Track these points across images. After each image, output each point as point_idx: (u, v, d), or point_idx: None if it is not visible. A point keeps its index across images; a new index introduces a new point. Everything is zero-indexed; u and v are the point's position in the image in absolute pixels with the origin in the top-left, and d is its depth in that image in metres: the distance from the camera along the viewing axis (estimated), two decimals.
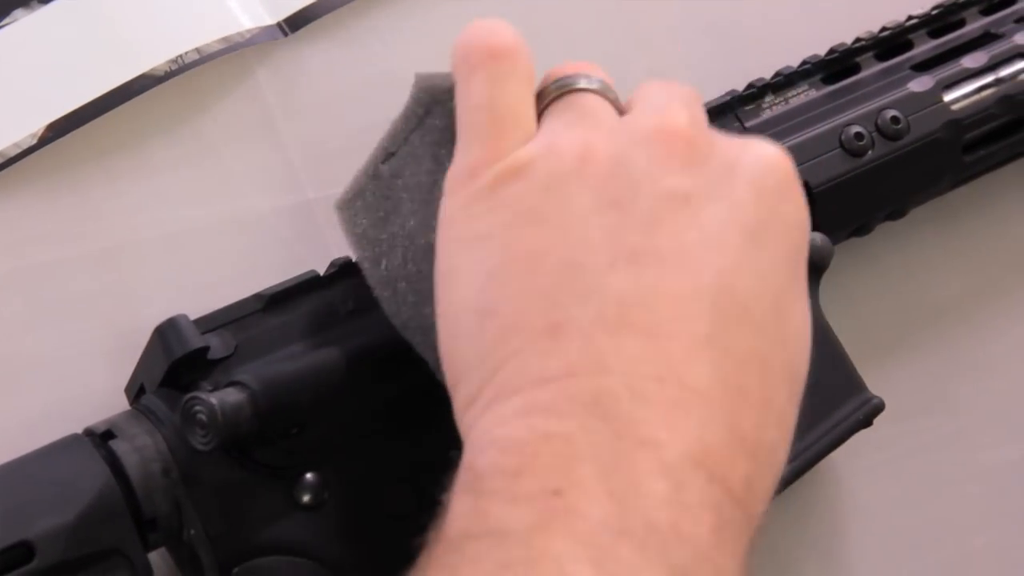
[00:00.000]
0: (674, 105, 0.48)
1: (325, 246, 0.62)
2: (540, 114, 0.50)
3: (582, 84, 0.50)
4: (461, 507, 0.41)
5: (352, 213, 0.55)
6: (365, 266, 0.54)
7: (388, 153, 0.53)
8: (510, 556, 0.38)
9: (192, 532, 0.54)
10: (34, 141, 0.63)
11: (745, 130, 0.65)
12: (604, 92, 0.50)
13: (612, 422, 0.41)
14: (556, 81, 0.51)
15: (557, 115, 0.49)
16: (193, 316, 0.57)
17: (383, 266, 0.53)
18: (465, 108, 0.50)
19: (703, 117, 0.50)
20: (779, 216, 0.46)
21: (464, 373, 0.45)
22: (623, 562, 0.38)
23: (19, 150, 0.63)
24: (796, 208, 0.48)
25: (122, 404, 0.58)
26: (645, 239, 0.44)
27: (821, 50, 0.68)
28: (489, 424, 0.43)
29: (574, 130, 0.48)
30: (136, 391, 0.58)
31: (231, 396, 0.54)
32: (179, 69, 0.65)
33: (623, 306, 0.43)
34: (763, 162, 0.47)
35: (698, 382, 0.42)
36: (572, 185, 0.46)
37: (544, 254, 0.45)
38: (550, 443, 0.41)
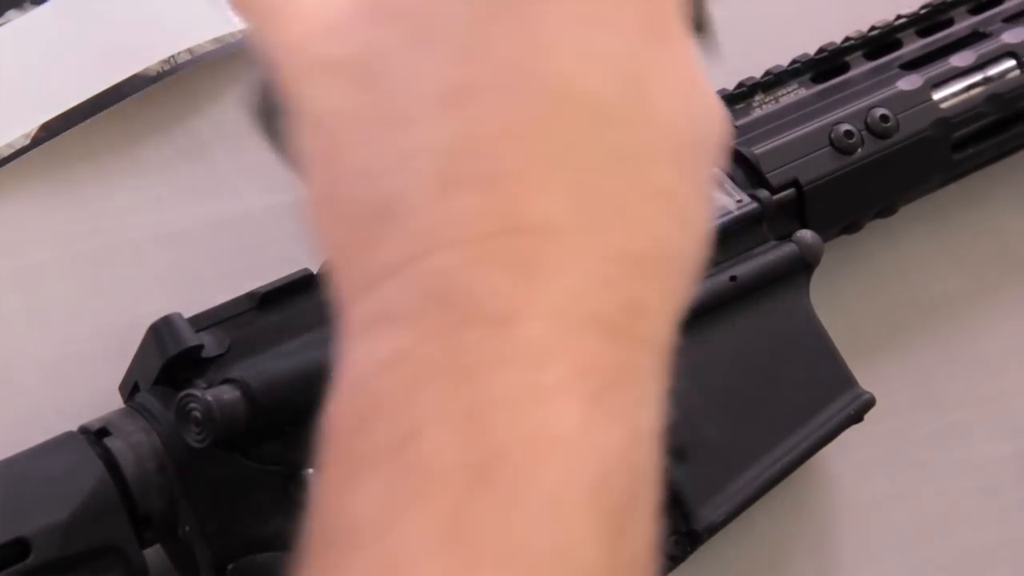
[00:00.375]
0: None
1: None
2: None
3: None
4: (319, 490, 0.36)
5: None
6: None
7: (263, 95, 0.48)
8: (368, 565, 0.34)
9: (187, 528, 0.55)
10: (27, 141, 0.64)
11: (735, 129, 0.66)
12: None
13: (458, 308, 0.35)
14: None
15: None
16: (187, 315, 0.57)
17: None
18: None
19: None
20: None
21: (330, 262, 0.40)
22: (484, 522, 0.34)
23: (12, 150, 0.64)
24: None
25: (116, 403, 0.58)
26: (466, 70, 0.38)
27: (811, 49, 0.68)
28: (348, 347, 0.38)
29: None
30: (130, 389, 0.58)
31: (226, 393, 0.54)
32: (172, 69, 0.66)
33: (452, 158, 0.37)
34: None
35: (551, 219, 0.36)
36: (381, 24, 0.39)
37: (372, 127, 0.39)
38: (395, 370, 0.35)
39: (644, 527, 0.36)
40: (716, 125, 0.41)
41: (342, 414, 0.36)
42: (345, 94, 0.39)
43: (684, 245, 0.39)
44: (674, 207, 0.38)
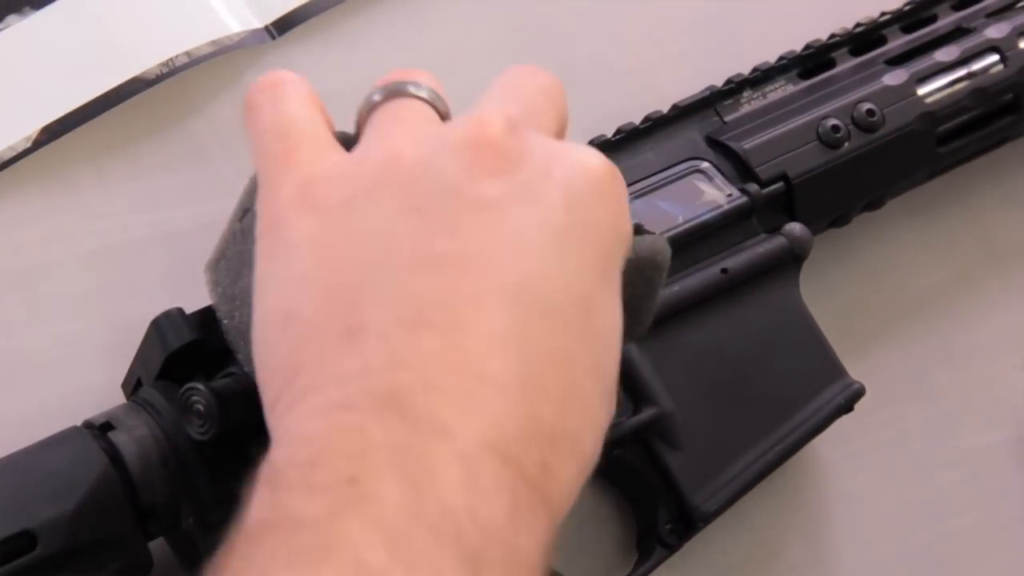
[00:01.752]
0: (496, 110, 0.48)
1: None
2: (364, 124, 0.50)
3: (410, 90, 0.50)
4: (259, 499, 0.41)
5: (215, 274, 0.54)
6: (223, 322, 0.53)
7: (244, 210, 0.52)
8: (305, 543, 0.39)
9: (190, 521, 0.55)
10: (28, 144, 0.65)
11: (725, 124, 0.66)
12: (431, 100, 0.50)
13: (406, 412, 0.41)
14: (381, 88, 0.50)
15: (374, 123, 0.49)
16: (188, 312, 0.58)
17: (236, 319, 0.52)
18: (255, 140, 0.50)
19: (543, 116, 0.50)
20: (590, 221, 0.46)
21: (271, 375, 0.45)
22: (417, 545, 0.39)
23: (14, 153, 0.64)
24: (609, 212, 0.47)
25: (119, 399, 0.59)
26: (447, 243, 0.44)
27: (797, 47, 0.69)
28: (288, 423, 0.43)
29: (386, 137, 0.48)
30: (133, 385, 0.59)
31: (228, 387, 0.55)
32: (170, 72, 0.66)
33: (422, 307, 0.43)
34: (578, 168, 0.47)
35: (495, 374, 0.43)
36: (378, 191, 0.46)
37: (348, 259, 0.45)
38: (344, 434, 0.41)
39: None
40: (616, 359, 0.47)
41: (289, 457, 0.42)
42: (324, 230, 0.46)
43: (588, 439, 0.45)
44: (587, 411, 0.45)
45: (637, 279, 0.51)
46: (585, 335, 0.45)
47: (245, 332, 0.50)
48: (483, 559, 0.40)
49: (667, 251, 0.52)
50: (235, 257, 0.52)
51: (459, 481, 0.40)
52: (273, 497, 0.41)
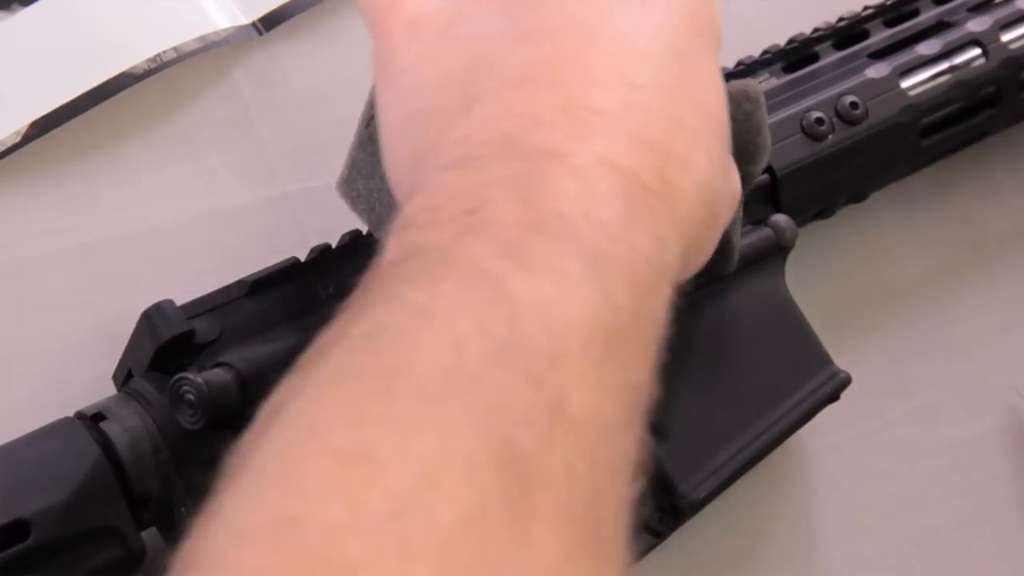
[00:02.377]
0: None
1: (304, 236, 0.63)
2: None
3: None
4: (387, 248, 0.43)
5: (348, 186, 0.57)
6: (365, 218, 0.57)
7: (368, 117, 0.55)
8: (428, 264, 0.41)
9: (182, 510, 0.56)
10: (18, 139, 0.65)
11: None
12: None
13: (520, 148, 0.44)
14: None
15: None
16: (179, 304, 0.58)
17: (376, 210, 0.56)
18: (361, 5, 0.54)
19: None
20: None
21: (404, 175, 0.49)
22: (535, 249, 0.41)
23: (3, 148, 0.65)
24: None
25: (110, 391, 0.59)
26: (541, 22, 0.48)
27: (781, 40, 0.70)
28: (416, 194, 0.46)
29: None
30: (124, 377, 0.59)
31: (218, 376, 0.55)
32: (158, 67, 0.67)
33: (526, 70, 0.47)
34: None
35: (602, 107, 0.46)
36: (479, 3, 0.50)
37: (456, 56, 0.49)
38: (465, 178, 0.44)
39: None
40: (722, 108, 0.50)
41: (417, 206, 0.44)
42: (432, 46, 0.50)
43: (703, 164, 0.48)
44: (699, 140, 0.48)
45: (736, 113, 0.54)
46: (682, 79, 0.48)
47: (387, 219, 0.54)
48: (602, 254, 0.42)
49: (759, 88, 0.57)
50: (366, 160, 0.56)
51: (574, 192, 0.43)
52: (400, 241, 0.43)
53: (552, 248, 0.41)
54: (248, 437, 0.38)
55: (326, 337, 0.41)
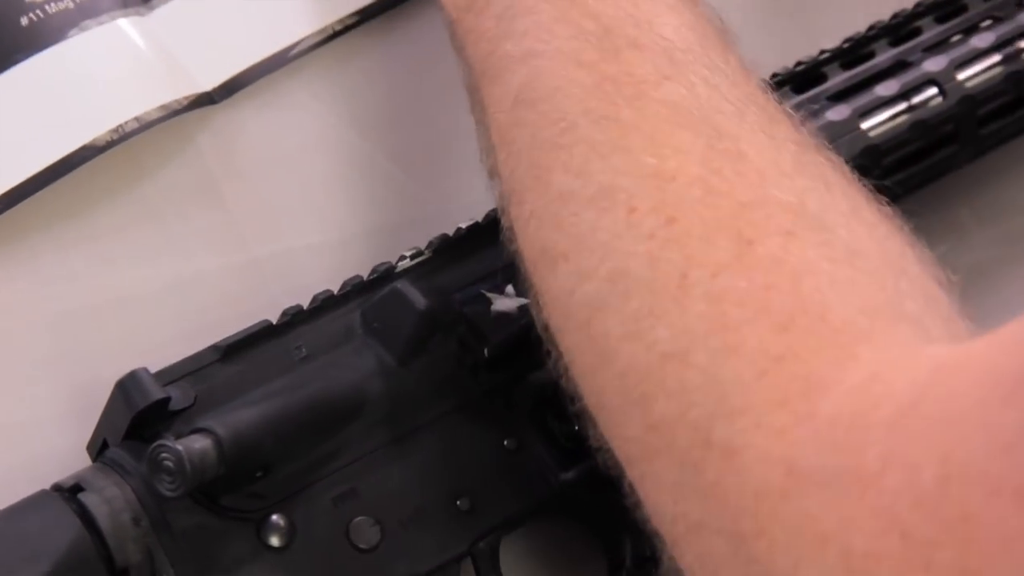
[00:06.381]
0: None
1: (274, 298, 0.63)
2: None
3: None
4: None
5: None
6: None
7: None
8: None
9: None
10: None
11: None
12: None
13: None
14: None
15: None
16: (152, 371, 0.58)
17: None
18: None
19: None
20: None
21: None
22: None
23: None
24: None
25: (85, 462, 0.59)
26: None
27: None
28: None
29: None
30: (99, 447, 0.59)
31: (197, 442, 0.55)
32: (120, 138, 0.66)
33: None
34: None
35: None
36: None
37: None
38: None
39: None
40: None
41: None
42: None
43: None
44: None
45: None
46: None
47: None
48: None
49: None
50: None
51: None
52: None
53: None
54: None
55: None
